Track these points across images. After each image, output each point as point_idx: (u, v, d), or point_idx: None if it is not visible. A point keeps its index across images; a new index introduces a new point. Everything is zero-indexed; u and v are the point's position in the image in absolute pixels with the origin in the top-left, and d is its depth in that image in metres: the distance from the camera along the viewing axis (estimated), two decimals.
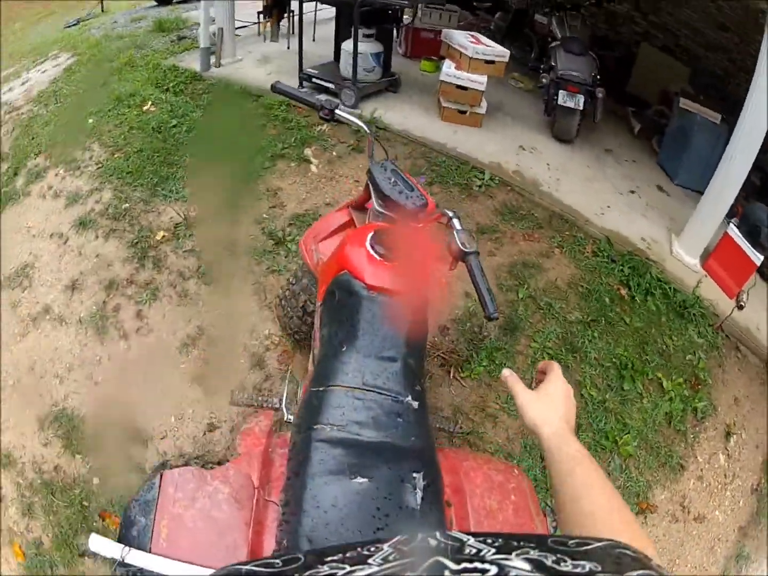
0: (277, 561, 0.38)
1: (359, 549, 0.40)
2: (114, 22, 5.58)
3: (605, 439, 2.13)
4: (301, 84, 3.59)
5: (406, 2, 3.38)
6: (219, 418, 2.10)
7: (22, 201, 3.01)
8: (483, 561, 0.34)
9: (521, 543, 0.37)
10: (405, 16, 4.22)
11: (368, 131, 1.41)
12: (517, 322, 2.36)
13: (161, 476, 1.03)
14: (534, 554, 0.35)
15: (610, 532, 0.55)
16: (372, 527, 0.93)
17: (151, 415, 2.10)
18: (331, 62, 3.83)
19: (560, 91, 3.44)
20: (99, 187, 2.94)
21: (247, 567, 0.38)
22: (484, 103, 3.57)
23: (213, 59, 3.91)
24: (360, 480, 0.98)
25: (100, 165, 3.10)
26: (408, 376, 1.18)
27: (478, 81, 3.42)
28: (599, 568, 0.33)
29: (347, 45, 3.45)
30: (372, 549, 0.39)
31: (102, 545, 0.94)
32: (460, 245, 1.12)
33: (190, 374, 2.19)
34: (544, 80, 3.69)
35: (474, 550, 0.37)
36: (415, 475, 1.01)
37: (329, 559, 0.38)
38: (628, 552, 0.37)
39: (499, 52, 3.49)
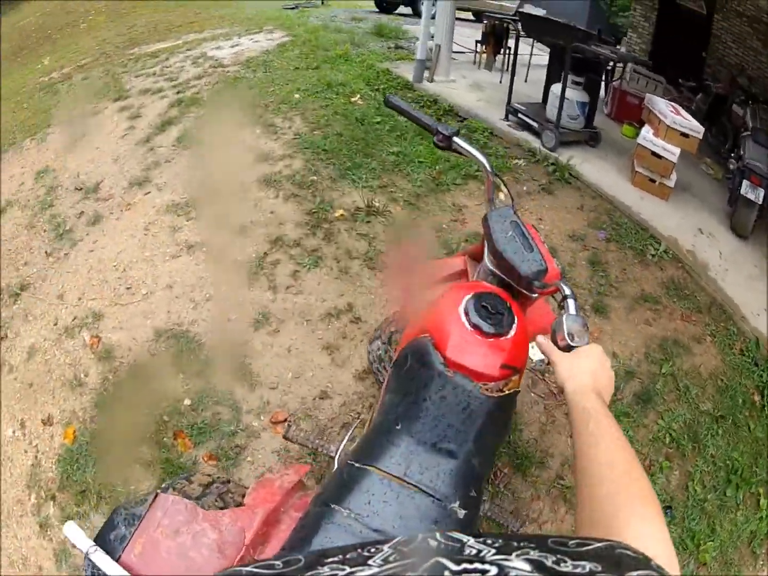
0: (278, 563, 0.38)
1: (359, 550, 0.39)
2: (333, 16, 6.02)
3: (690, 540, 1.99)
4: (506, 117, 3.71)
5: (614, 56, 3.55)
6: (334, 389, 2.06)
7: None
8: (483, 561, 0.34)
9: (521, 543, 0.37)
10: (615, 79, 4.26)
11: (489, 168, 1.18)
12: (652, 395, 2.26)
13: (155, 497, 1.00)
14: (534, 555, 0.34)
15: (615, 483, 0.57)
16: None
17: (270, 366, 2.08)
18: (538, 103, 3.92)
19: (743, 181, 3.34)
20: (292, 155, 3.06)
21: (248, 569, 0.37)
22: (674, 176, 3.52)
23: (426, 74, 4.01)
24: None
25: (297, 136, 3.23)
26: (464, 477, 0.99)
27: (671, 151, 3.40)
28: (599, 568, 0.32)
29: (556, 88, 3.58)
30: (372, 550, 0.39)
31: (75, 534, 0.92)
32: (566, 335, 0.91)
33: (324, 343, 2.18)
34: (731, 167, 3.66)
35: (474, 551, 0.36)
36: None
37: (329, 560, 0.37)
38: (628, 552, 0.36)
39: (695, 126, 3.45)
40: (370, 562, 0.36)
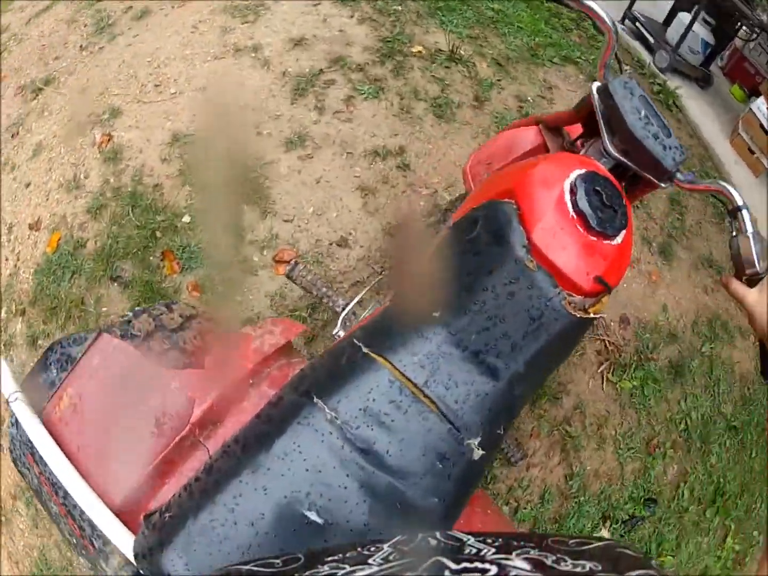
0: (277, 561, 0.38)
1: (359, 549, 0.39)
2: None
3: (655, 544, 1.83)
4: (622, 21, 3.38)
5: (756, 20, 3.15)
6: (357, 238, 1.77)
7: None
8: (483, 561, 0.33)
9: (521, 543, 0.36)
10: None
11: (611, 24, 0.85)
12: (685, 370, 2.00)
13: (97, 336, 0.82)
14: (534, 554, 0.34)
15: None
16: None
17: (290, 194, 1.81)
18: (659, 23, 3.54)
19: None
20: None
21: (247, 567, 0.37)
22: None
23: None
24: (312, 518, 0.69)
25: None
26: (499, 408, 0.77)
27: None
28: (599, 568, 0.32)
29: (684, 16, 3.25)
30: (372, 549, 0.38)
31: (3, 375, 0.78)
32: (757, 260, 0.74)
33: (360, 183, 1.86)
34: None
35: (474, 550, 0.36)
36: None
37: (329, 559, 0.37)
38: (628, 551, 0.36)
39: None
40: (369, 561, 0.36)
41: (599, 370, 1.84)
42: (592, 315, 0.77)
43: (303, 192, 1.78)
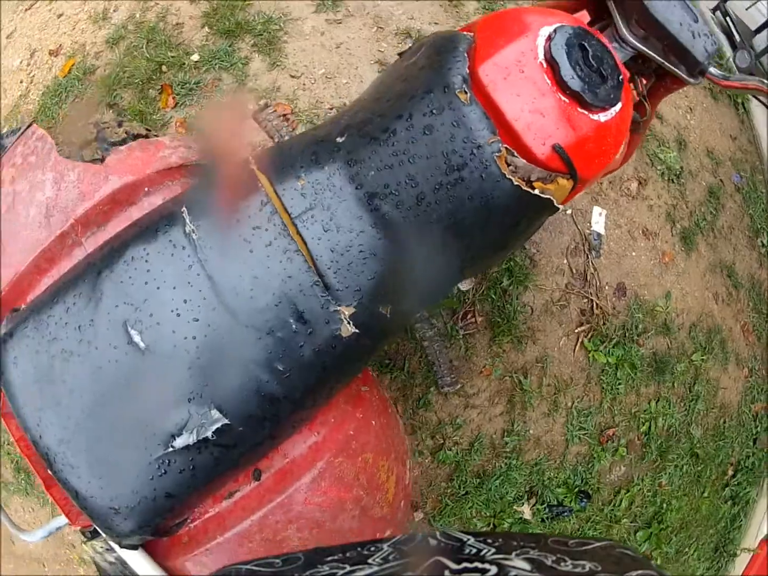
0: (277, 560, 0.37)
1: (359, 549, 0.38)
2: None
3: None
4: (714, 11, 3.12)
5: None
6: None
7: None
8: (483, 561, 0.33)
9: (521, 543, 0.36)
10: None
11: None
12: (667, 370, 1.76)
13: (28, 127, 0.85)
14: (534, 554, 0.33)
15: None
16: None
17: (305, 53, 1.66)
18: (749, 28, 3.21)
19: None
20: None
21: (247, 566, 0.37)
22: None
23: None
24: (134, 339, 0.62)
25: None
26: (383, 274, 0.60)
27: None
28: (599, 568, 0.32)
29: None
30: (372, 549, 0.38)
31: None
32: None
33: (381, 58, 1.69)
34: None
35: (474, 550, 0.35)
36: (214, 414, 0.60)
37: (329, 558, 0.36)
38: (628, 552, 0.36)
39: None
40: (369, 560, 0.35)
41: (576, 330, 1.63)
42: (537, 192, 0.60)
43: (319, 53, 1.64)
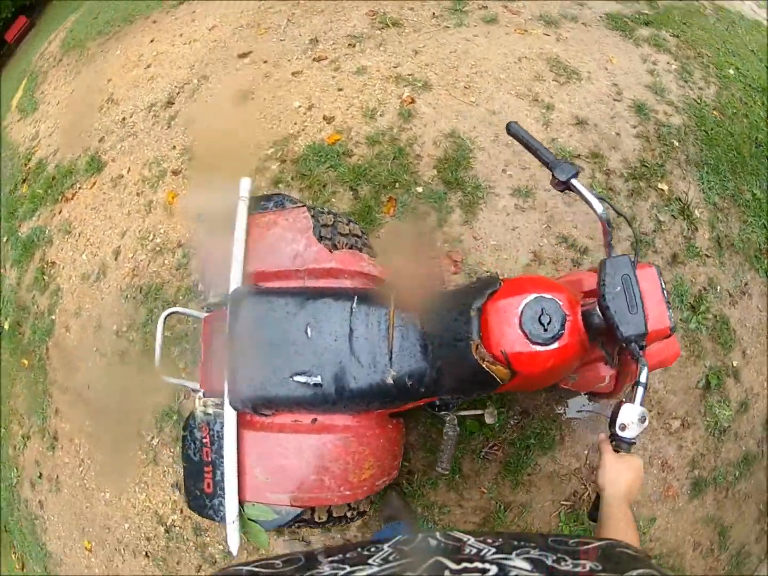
0: (278, 561, 0.37)
1: (359, 549, 0.38)
2: None
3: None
4: None
5: None
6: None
7: None
8: (483, 560, 0.32)
9: (521, 543, 0.35)
10: None
11: (603, 217, 1.08)
12: None
13: (300, 206, 1.55)
14: (534, 554, 0.33)
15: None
16: None
17: (487, 223, 2.19)
18: None
19: None
20: None
21: (248, 567, 0.36)
22: None
23: None
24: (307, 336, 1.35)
25: None
26: (415, 370, 1.29)
27: None
28: (600, 568, 0.31)
29: None
30: (372, 549, 0.37)
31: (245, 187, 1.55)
32: (618, 425, 0.91)
33: (536, 249, 2.20)
34: None
35: (474, 550, 0.35)
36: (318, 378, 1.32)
37: (330, 559, 0.36)
38: (628, 551, 0.35)
39: None
40: (370, 561, 0.35)
41: (562, 502, 2.00)
42: (485, 367, 1.05)
43: (499, 229, 2.22)
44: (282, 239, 1.47)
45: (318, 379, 1.29)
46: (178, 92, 2.89)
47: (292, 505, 1.35)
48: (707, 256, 2.39)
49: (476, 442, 2.03)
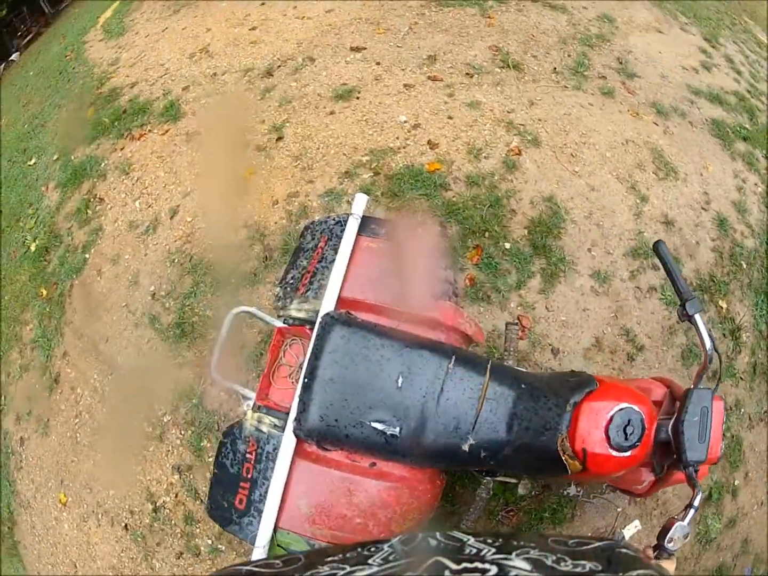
0: (278, 561, 0.36)
1: (359, 549, 0.37)
2: None
3: None
4: None
5: None
6: (559, 363, 2.11)
7: None
8: (483, 561, 0.32)
9: (521, 543, 0.35)
10: None
11: (710, 353, 1.18)
12: None
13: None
14: (534, 554, 0.32)
15: None
16: None
17: (561, 298, 2.19)
18: None
19: None
20: None
21: (248, 567, 0.36)
22: None
23: None
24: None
25: None
26: (493, 443, 1.25)
27: None
28: (599, 568, 0.31)
29: None
30: (372, 549, 0.37)
31: (360, 202, 1.48)
32: (666, 539, 0.99)
33: (593, 343, 2.19)
34: None
35: (474, 550, 0.35)
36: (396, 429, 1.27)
37: (330, 559, 0.35)
38: (628, 551, 0.35)
39: None
40: (370, 561, 0.35)
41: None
42: (564, 457, 1.17)
43: (570, 306, 2.19)
44: (389, 273, 1.40)
45: (396, 431, 1.24)
46: (279, 65, 2.77)
47: (330, 542, 1.30)
48: (741, 379, 2.47)
49: (495, 504, 2.04)
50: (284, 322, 1.43)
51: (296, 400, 1.28)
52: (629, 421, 1.10)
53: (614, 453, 1.09)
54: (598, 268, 2.27)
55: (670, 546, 0.99)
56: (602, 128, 2.57)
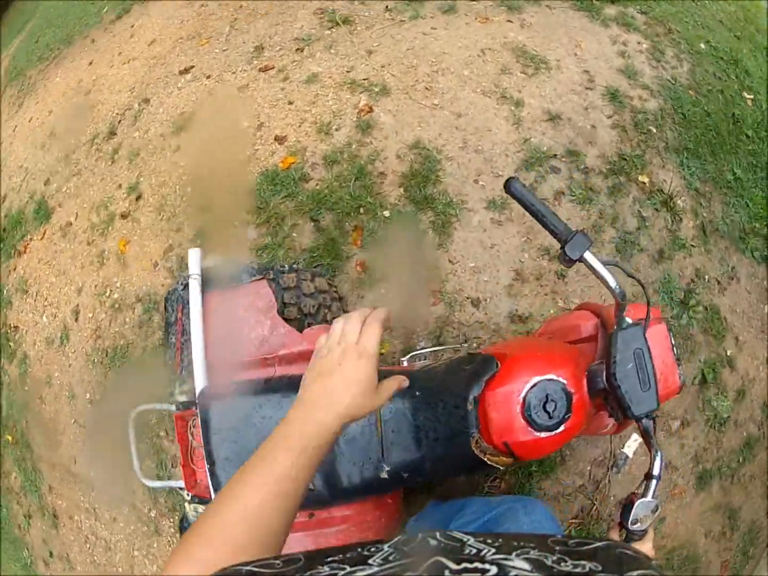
0: (277, 561, 0.36)
1: (359, 549, 0.38)
2: None
3: None
4: None
5: None
6: (486, 307, 1.93)
7: None
8: (483, 561, 0.32)
9: (521, 543, 0.35)
10: None
11: (617, 291, 0.91)
12: None
13: (259, 280, 1.32)
14: (534, 554, 0.32)
15: None
16: None
17: (464, 244, 1.98)
18: None
19: None
20: None
21: (248, 567, 0.36)
22: None
23: None
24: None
25: None
26: (408, 462, 1.12)
27: None
28: (599, 568, 0.31)
29: None
30: (372, 549, 0.37)
31: (194, 258, 1.26)
32: (630, 521, 0.85)
33: (519, 268, 2.00)
34: None
35: (474, 550, 0.35)
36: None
37: (329, 559, 0.35)
38: (628, 552, 0.35)
39: None
40: (370, 561, 0.34)
41: (570, 520, 1.93)
42: (486, 459, 0.97)
43: (476, 248, 1.98)
44: (245, 323, 1.26)
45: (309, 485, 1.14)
46: (120, 120, 2.61)
47: None
48: (693, 246, 2.25)
49: (478, 478, 1.90)
50: (176, 408, 1.33)
51: (210, 488, 1.18)
52: (547, 396, 0.90)
53: (543, 435, 0.90)
54: (492, 197, 2.04)
55: (636, 528, 0.85)
56: (452, 49, 2.30)
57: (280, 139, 2.22)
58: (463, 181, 2.05)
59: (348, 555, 0.37)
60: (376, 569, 0.33)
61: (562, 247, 0.89)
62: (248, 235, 2.10)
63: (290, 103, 2.28)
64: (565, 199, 2.10)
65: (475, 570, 0.31)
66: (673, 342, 0.99)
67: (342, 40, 2.41)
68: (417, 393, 1.11)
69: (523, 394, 0.90)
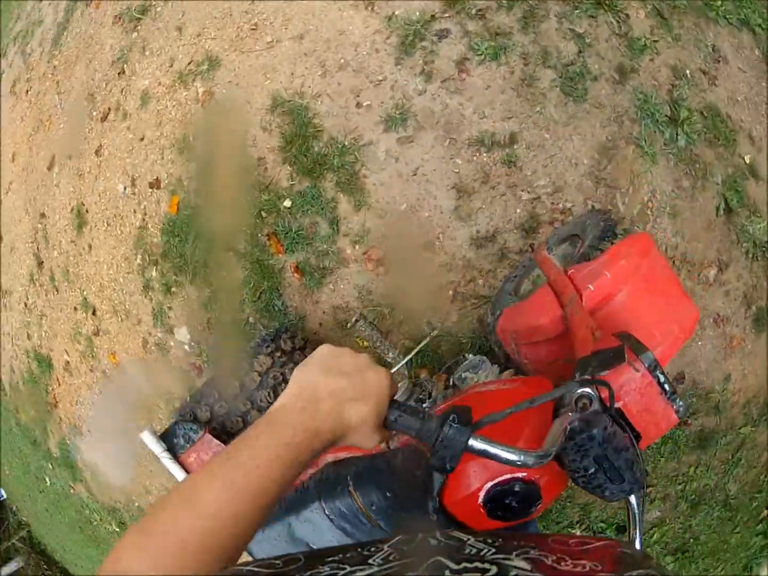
0: (278, 561, 0.36)
1: (359, 549, 0.37)
2: None
3: None
4: None
5: None
6: (443, 244, 1.59)
7: None
8: (483, 560, 0.32)
9: (521, 543, 0.34)
10: None
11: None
12: None
13: (205, 433, 1.20)
14: (534, 554, 0.32)
15: None
16: None
17: (385, 186, 1.60)
18: None
19: None
20: None
21: (248, 568, 0.35)
22: None
23: None
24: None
25: None
26: None
27: None
28: (599, 568, 0.30)
29: None
30: (372, 549, 0.37)
31: (149, 440, 1.15)
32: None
33: (458, 180, 1.62)
34: None
35: (474, 550, 0.34)
36: None
37: (330, 559, 0.35)
38: (628, 551, 0.34)
39: None
40: (370, 561, 0.34)
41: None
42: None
43: (398, 185, 1.57)
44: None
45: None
46: (37, 247, 2.47)
47: None
48: (655, 41, 1.64)
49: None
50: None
51: None
52: (510, 493, 0.73)
53: (512, 520, 0.76)
54: (386, 113, 1.58)
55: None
56: None
57: (155, 184, 1.92)
58: (345, 112, 1.60)
59: (348, 555, 0.36)
60: (376, 569, 0.33)
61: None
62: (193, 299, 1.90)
63: (142, 139, 1.94)
64: (473, 63, 1.56)
65: (475, 570, 0.30)
66: (662, 378, 0.72)
67: (150, 35, 1.96)
68: (388, 494, 0.90)
69: (481, 501, 0.74)
